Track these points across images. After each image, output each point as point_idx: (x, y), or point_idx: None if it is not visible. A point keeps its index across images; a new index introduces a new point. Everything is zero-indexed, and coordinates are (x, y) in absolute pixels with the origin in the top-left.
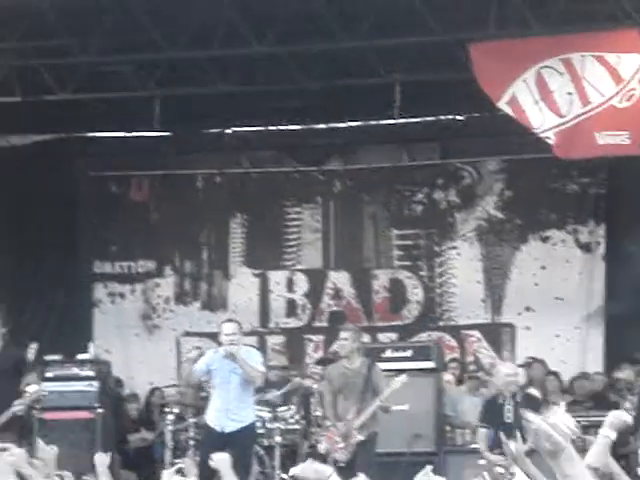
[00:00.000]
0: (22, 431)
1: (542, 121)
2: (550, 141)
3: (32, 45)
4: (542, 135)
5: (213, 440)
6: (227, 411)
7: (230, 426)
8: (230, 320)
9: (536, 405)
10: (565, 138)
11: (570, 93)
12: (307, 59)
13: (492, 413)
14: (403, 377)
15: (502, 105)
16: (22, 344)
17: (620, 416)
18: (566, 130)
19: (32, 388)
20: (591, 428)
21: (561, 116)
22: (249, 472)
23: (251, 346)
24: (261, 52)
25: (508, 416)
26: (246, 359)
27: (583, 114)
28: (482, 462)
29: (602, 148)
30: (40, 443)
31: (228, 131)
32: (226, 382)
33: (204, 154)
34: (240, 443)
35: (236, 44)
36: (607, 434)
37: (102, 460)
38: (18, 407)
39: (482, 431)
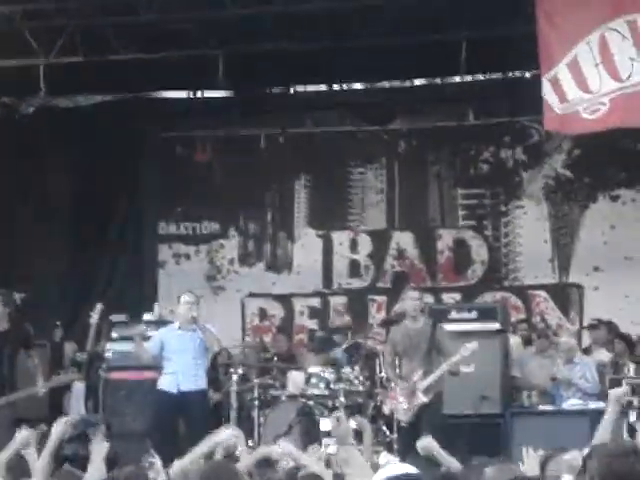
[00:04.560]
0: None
1: (599, 85)
2: (604, 107)
3: (94, 4)
4: (596, 101)
5: (167, 402)
6: (184, 373)
7: (186, 385)
8: (189, 292)
9: None
10: (619, 105)
11: (632, 59)
12: (370, 16)
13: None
14: (474, 344)
15: (548, 78)
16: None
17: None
18: (622, 97)
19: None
20: None
21: (620, 81)
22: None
23: None
24: (323, 8)
25: None
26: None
27: None
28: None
29: None
30: None
31: (292, 90)
32: (183, 350)
33: (268, 114)
34: (197, 403)
35: (299, 0)
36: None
37: (24, 437)
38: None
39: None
